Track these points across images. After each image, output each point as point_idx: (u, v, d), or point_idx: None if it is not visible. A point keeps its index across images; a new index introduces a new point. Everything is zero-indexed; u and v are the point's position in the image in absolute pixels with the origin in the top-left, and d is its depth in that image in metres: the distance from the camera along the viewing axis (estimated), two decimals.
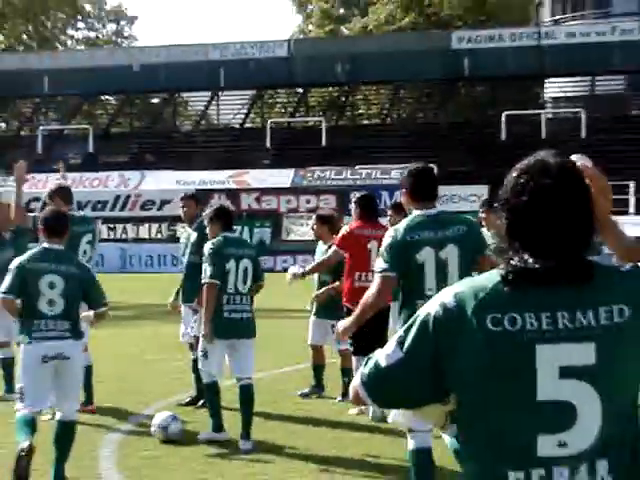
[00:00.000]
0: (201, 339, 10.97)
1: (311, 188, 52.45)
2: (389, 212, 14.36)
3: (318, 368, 14.16)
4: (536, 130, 58.20)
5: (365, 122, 68.91)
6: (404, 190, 8.49)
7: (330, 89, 72.61)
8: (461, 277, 7.42)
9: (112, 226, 52.66)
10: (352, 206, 13.17)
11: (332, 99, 73.07)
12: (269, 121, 64.75)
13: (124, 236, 52.60)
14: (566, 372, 3.00)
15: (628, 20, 65.61)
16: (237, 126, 69.71)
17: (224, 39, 67.01)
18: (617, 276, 3.18)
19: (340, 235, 12.10)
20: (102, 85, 68.00)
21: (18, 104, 76.69)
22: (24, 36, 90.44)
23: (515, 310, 3.00)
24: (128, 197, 52.91)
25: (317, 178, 54.18)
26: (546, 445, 3.01)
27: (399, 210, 12.52)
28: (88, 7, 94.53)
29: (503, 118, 58.21)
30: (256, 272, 10.79)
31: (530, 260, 3.03)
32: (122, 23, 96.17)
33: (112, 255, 48.24)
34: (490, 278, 3.10)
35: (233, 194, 52.08)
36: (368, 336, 10.20)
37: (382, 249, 8.12)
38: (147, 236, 52.90)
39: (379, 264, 7.97)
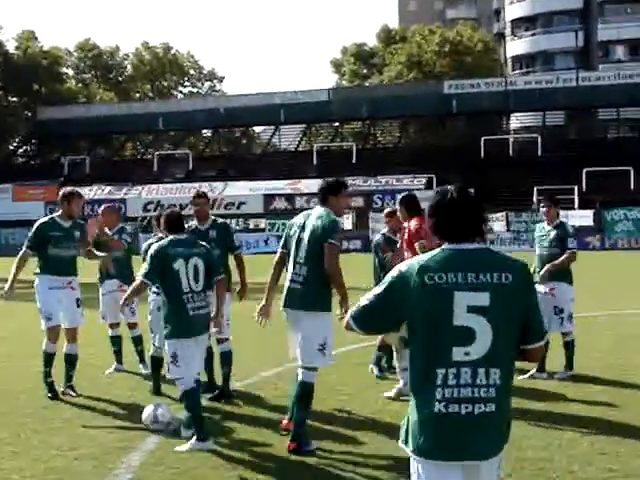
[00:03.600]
0: (166, 344, 7.45)
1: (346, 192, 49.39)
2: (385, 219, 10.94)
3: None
4: (505, 150, 56.01)
5: (381, 146, 66.24)
6: None
7: (357, 123, 69.75)
8: None
9: None
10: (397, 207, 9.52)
11: (359, 130, 70.07)
12: (315, 145, 63.19)
13: None
14: (471, 309, 3.44)
15: (567, 72, 64.50)
16: (293, 149, 66.71)
17: (284, 88, 66.16)
18: (505, 256, 3.60)
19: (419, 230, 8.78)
20: (199, 123, 67.75)
21: (141, 136, 74.11)
22: (150, 93, 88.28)
23: (442, 271, 3.46)
24: (215, 200, 50.64)
25: (350, 185, 50.71)
26: (457, 353, 3.45)
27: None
28: (192, 71, 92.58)
29: (482, 142, 56.97)
30: (210, 269, 7.64)
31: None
32: (214, 81, 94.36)
33: None
34: (430, 254, 3.55)
35: (290, 197, 51.77)
36: None
37: None
38: None
39: None
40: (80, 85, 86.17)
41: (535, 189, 46.43)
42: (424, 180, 51.58)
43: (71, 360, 9.36)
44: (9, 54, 76.59)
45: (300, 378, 7.08)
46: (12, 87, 76.80)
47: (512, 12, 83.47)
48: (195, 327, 7.43)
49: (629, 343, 12.50)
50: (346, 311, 6.49)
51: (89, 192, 54.92)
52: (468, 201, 3.58)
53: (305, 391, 7.07)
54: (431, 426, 3.44)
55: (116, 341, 10.82)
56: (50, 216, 9.59)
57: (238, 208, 51.89)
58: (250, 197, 52.03)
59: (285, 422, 7.51)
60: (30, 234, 9.25)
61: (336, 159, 59.03)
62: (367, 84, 77.40)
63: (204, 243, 7.94)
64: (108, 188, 55.03)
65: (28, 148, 74.73)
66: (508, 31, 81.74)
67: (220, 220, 9.57)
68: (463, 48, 74.56)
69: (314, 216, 7.22)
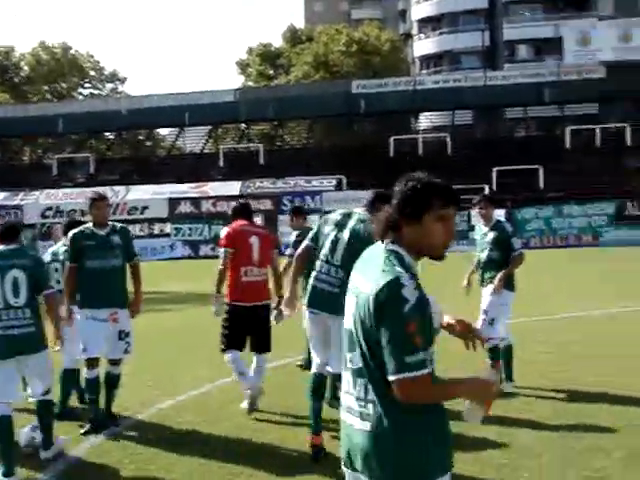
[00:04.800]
0: None
1: (253, 194, 48.24)
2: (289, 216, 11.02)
3: None
4: (415, 150, 55.87)
5: (289, 147, 65.09)
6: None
7: (265, 124, 68.38)
8: None
9: None
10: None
11: (267, 131, 68.73)
12: (221, 147, 61.65)
13: None
14: (348, 313, 3.34)
15: (475, 72, 64.53)
16: (198, 152, 64.95)
17: (188, 89, 64.33)
18: (387, 263, 3.23)
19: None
20: (101, 125, 65.08)
21: (40, 140, 71.11)
22: (48, 95, 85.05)
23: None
24: (117, 205, 48.63)
25: (257, 187, 50.58)
26: (345, 359, 3.35)
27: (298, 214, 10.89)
28: (92, 72, 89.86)
29: (391, 141, 56.36)
30: (37, 283, 6.87)
31: None
32: (117, 83, 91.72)
33: None
34: None
35: (195, 201, 49.95)
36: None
37: None
38: (132, 233, 48.06)
39: None
40: None
41: None
42: (334, 181, 50.67)
43: None
44: None
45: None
46: None
47: (418, 12, 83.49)
48: (6, 348, 6.62)
49: (569, 350, 11.58)
50: None
51: None
52: None
53: None
54: None
55: None
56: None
57: (142, 213, 49.84)
58: (154, 201, 50.12)
59: (310, 437, 7.04)
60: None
61: (243, 161, 57.70)
62: (274, 84, 76.28)
63: (33, 253, 7.14)
64: (2, 194, 52.38)
65: None
66: (415, 31, 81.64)
67: (119, 225, 8.62)
68: (370, 48, 74.25)
69: (356, 218, 7.03)
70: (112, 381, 8.28)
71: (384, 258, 3.23)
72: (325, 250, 7.02)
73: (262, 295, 8.66)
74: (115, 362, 8.28)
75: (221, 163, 58.08)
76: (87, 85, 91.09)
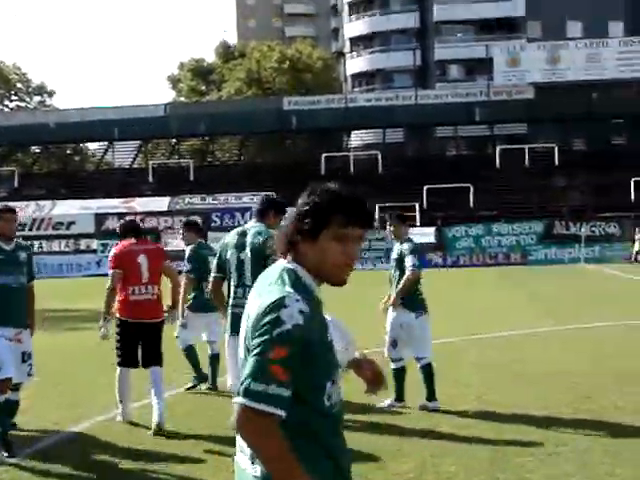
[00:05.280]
0: None
1: (182, 210, 47.61)
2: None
3: None
4: (346, 167, 55.84)
5: (220, 163, 64.45)
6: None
7: (196, 140, 67.41)
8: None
9: (30, 243, 46.83)
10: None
11: (197, 147, 67.92)
12: (150, 162, 60.72)
13: (39, 250, 45.68)
14: None
15: (406, 90, 64.71)
16: (127, 166, 63.87)
17: (117, 103, 63.34)
18: (277, 279, 2.80)
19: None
20: (27, 138, 63.60)
21: None
22: None
23: None
24: (42, 220, 47.42)
25: (187, 203, 50.00)
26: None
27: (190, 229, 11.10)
28: (19, 84, 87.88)
29: (322, 158, 56.02)
30: None
31: None
32: (44, 96, 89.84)
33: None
34: None
35: (123, 216, 47.57)
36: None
37: None
38: (58, 249, 46.93)
39: None
40: None
41: (377, 206, 45.86)
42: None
43: None
44: None
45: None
46: None
47: (350, 30, 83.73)
48: None
49: (502, 370, 11.23)
50: None
51: None
52: None
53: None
54: None
55: None
56: None
57: (68, 228, 48.78)
58: (80, 216, 48.97)
59: None
60: None
61: (173, 177, 56.95)
62: (205, 100, 75.67)
63: None
64: None
65: None
66: (347, 49, 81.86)
67: (23, 242, 8.33)
68: (303, 65, 74.23)
69: (252, 233, 7.10)
70: (11, 408, 7.64)
71: (277, 276, 2.76)
72: (234, 274, 7.11)
73: (151, 313, 8.62)
74: (16, 387, 7.61)
75: (150, 178, 57.22)
76: (13, 97, 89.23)
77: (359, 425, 8.09)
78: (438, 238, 46.33)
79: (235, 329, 6.81)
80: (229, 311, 7.16)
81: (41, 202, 50.20)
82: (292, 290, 2.68)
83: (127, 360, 8.52)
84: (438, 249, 45.63)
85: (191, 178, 56.42)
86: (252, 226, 7.23)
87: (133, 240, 8.73)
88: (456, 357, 12.52)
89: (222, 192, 50.87)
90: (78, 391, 10.63)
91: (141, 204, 50.04)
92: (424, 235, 43.71)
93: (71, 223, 48.73)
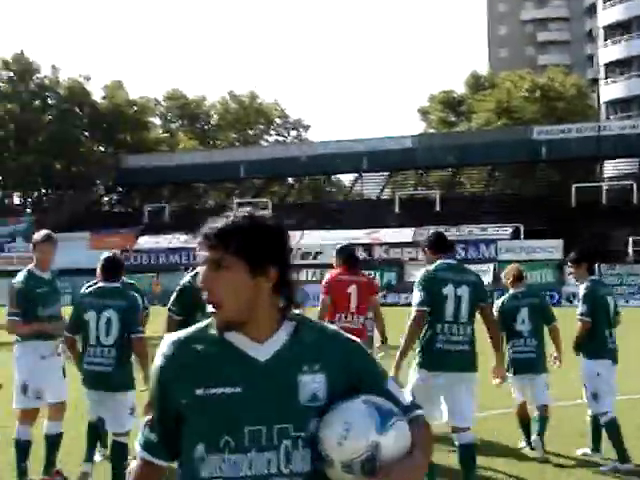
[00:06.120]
0: None
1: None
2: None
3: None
4: (598, 198, 53.32)
5: (468, 194, 63.49)
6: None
7: (443, 171, 66.93)
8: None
9: None
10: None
11: (445, 178, 67.30)
12: (397, 194, 60.86)
13: None
14: None
15: None
16: (375, 197, 64.55)
17: (368, 135, 64.73)
18: None
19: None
20: (281, 171, 66.61)
21: (223, 185, 73.10)
22: (236, 143, 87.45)
23: None
24: (291, 250, 48.71)
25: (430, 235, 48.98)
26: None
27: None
28: (278, 120, 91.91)
29: (573, 189, 53.72)
30: (126, 325, 6.77)
31: None
32: (300, 130, 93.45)
33: None
34: None
35: (368, 247, 49.27)
36: None
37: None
38: (304, 279, 48.05)
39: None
40: (167, 134, 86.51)
41: (630, 239, 43.31)
42: (510, 230, 48.84)
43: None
44: (96, 104, 77.20)
45: (464, 442, 6.69)
46: (98, 135, 77.40)
47: (606, 55, 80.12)
48: (88, 382, 6.90)
49: None
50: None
51: (166, 241, 54.76)
52: None
53: (473, 452, 6.78)
54: None
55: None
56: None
57: (315, 258, 49.75)
58: (326, 247, 49.87)
59: None
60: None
61: (418, 208, 56.66)
62: (454, 131, 75.22)
63: (132, 294, 7.06)
64: (184, 237, 53.84)
65: (111, 197, 74.62)
66: (602, 75, 78.39)
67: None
68: (554, 94, 71.88)
69: (466, 272, 7.03)
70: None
71: None
72: (447, 309, 6.72)
73: None
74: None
75: (397, 209, 57.35)
76: (272, 132, 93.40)
77: None
78: None
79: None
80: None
81: (290, 232, 51.56)
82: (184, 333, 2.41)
83: None
84: None
85: (437, 209, 55.96)
86: None
87: (345, 269, 8.97)
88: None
89: (468, 223, 50.02)
90: None
91: (386, 235, 50.20)
92: None
93: (318, 253, 49.72)
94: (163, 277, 46.00)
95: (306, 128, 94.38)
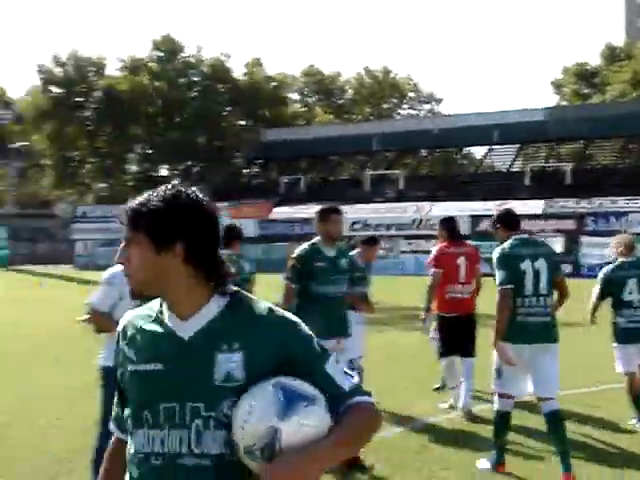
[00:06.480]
0: None
1: (556, 214, 48.11)
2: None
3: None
4: None
5: (600, 166, 63.00)
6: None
7: (574, 143, 66.40)
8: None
9: (410, 242, 51.10)
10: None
11: (576, 150, 66.89)
12: (528, 166, 61.13)
13: (418, 248, 48.70)
14: None
15: None
16: (505, 170, 65.06)
17: (500, 108, 65.06)
18: None
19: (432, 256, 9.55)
20: (413, 143, 67.55)
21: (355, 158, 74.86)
22: (370, 117, 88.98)
23: None
24: (420, 220, 50.26)
25: (561, 207, 50.06)
26: None
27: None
28: (411, 94, 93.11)
29: None
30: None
31: None
32: (433, 103, 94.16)
33: (410, 262, 47.28)
34: None
35: None
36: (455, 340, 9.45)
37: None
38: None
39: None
40: (304, 109, 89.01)
41: None
42: None
43: None
44: (237, 80, 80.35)
45: (549, 410, 6.63)
46: (238, 111, 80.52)
47: None
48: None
49: None
50: None
51: (301, 212, 56.76)
52: None
53: (560, 419, 6.66)
54: None
55: None
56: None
57: None
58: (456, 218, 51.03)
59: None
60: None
61: (550, 180, 56.84)
62: (587, 103, 74.45)
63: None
64: (319, 208, 55.65)
65: (251, 169, 77.55)
66: None
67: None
68: None
69: (540, 244, 7.15)
70: None
71: None
72: (529, 283, 6.79)
73: (466, 308, 9.60)
74: None
75: (527, 182, 57.70)
76: (405, 106, 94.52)
77: None
78: None
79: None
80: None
81: (420, 203, 53.05)
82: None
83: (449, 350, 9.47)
84: None
85: (568, 182, 56.08)
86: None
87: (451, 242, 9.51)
88: None
89: (598, 196, 50.07)
90: None
91: (516, 207, 50.68)
92: None
93: None
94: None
95: (438, 101, 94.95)
